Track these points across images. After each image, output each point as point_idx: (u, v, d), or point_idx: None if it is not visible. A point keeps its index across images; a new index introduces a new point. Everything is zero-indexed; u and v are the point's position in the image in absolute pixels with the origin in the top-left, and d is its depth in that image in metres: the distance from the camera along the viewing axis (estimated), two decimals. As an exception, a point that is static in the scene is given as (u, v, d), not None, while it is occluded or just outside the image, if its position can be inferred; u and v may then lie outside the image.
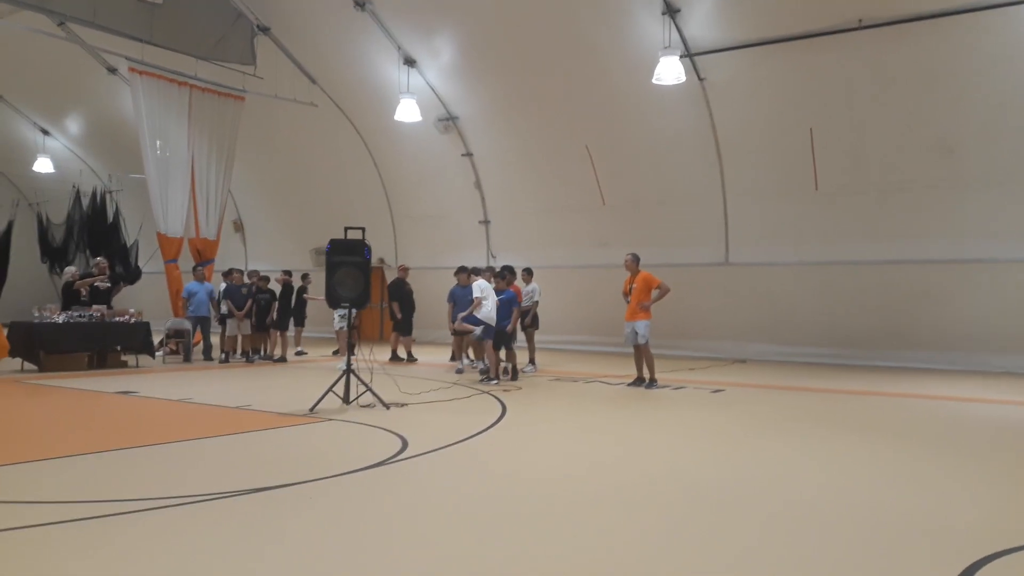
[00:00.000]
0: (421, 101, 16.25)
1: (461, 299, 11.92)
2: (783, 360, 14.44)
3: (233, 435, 6.87)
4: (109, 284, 14.24)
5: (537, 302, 12.79)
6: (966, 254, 12.91)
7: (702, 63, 13.84)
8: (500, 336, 11.02)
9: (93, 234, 21.93)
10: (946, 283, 13.15)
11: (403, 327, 14.22)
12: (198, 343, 14.23)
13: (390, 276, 19.38)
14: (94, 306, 12.86)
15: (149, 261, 20.05)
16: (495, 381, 10.66)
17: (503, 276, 11.43)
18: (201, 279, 14.22)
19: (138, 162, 15.57)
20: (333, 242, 8.60)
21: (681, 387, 10.49)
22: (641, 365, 10.54)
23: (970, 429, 7.62)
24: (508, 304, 11.05)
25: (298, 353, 15.48)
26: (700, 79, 14.01)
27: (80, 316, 12.42)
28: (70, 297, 13.23)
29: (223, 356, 13.94)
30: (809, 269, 14.37)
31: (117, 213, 22.27)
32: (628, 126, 15.36)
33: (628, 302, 10.49)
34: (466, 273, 12.26)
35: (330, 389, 8.31)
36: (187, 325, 13.94)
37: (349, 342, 8.77)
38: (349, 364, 8.50)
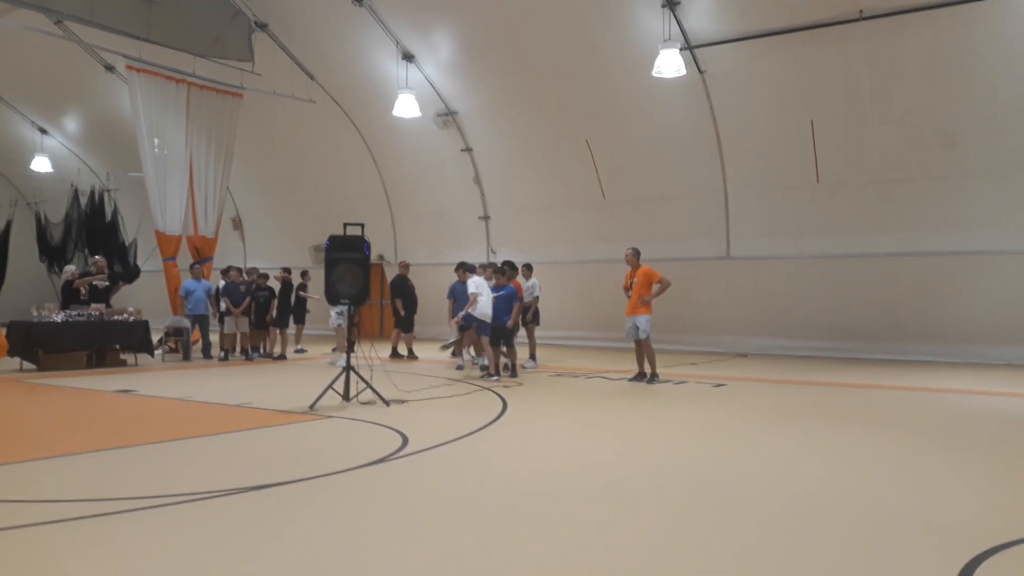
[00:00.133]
0: (420, 96, 16.20)
1: (461, 295, 11.89)
2: (784, 354, 14.41)
3: (232, 433, 6.83)
4: (108, 283, 14.21)
5: (537, 297, 12.75)
6: (968, 246, 12.87)
7: (702, 56, 13.78)
8: (501, 332, 10.98)
9: (91, 233, 21.92)
10: (948, 275, 13.11)
11: (405, 324, 14.17)
12: (197, 341, 14.20)
13: (389, 272, 19.37)
14: (93, 305, 12.83)
15: (148, 259, 20.02)
16: (495, 377, 10.63)
17: (503, 272, 11.38)
18: (198, 277, 14.19)
19: (136, 160, 15.52)
20: (332, 238, 8.56)
21: (683, 382, 10.45)
22: (642, 360, 10.50)
23: (973, 422, 7.58)
24: (509, 300, 11.00)
25: (298, 351, 15.45)
26: (700, 72, 13.96)
27: (79, 315, 12.38)
28: (69, 296, 13.21)
29: (222, 354, 13.91)
30: (810, 262, 14.33)
31: (115, 212, 22.25)
32: (628, 120, 15.31)
33: (629, 297, 10.45)
34: (465, 269, 12.23)
35: (330, 386, 8.28)
36: (186, 323, 13.91)
37: (349, 339, 8.73)
38: (349, 361, 8.46)
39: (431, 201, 18.89)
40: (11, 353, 12.13)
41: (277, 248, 21.43)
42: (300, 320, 15.47)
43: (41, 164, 22.86)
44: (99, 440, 6.48)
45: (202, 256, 15.71)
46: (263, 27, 16.69)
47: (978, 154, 12.65)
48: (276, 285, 14.70)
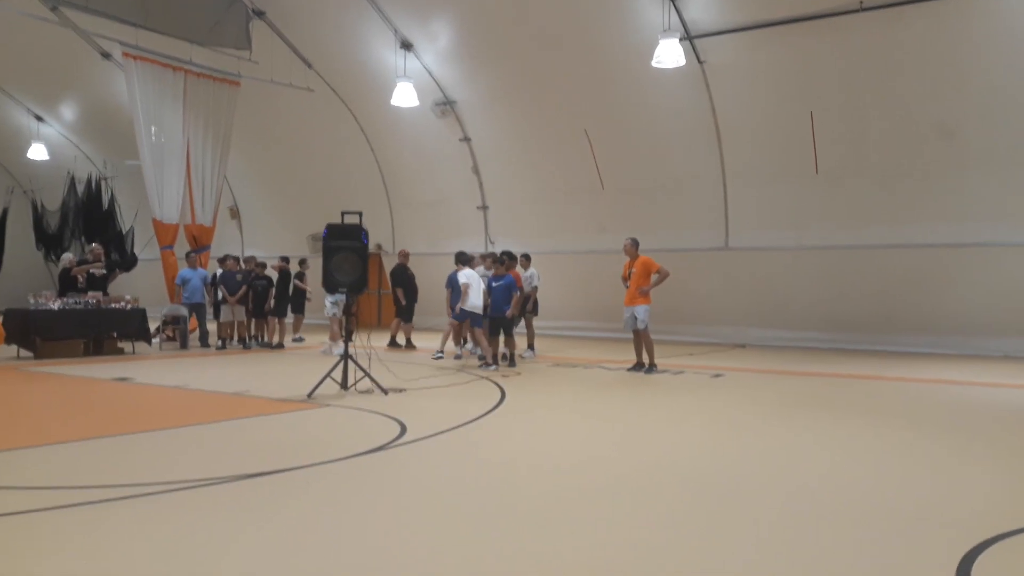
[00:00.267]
0: (418, 85, 16.12)
1: (459, 285, 11.83)
2: (783, 345, 14.41)
3: (229, 421, 6.82)
4: (105, 271, 14.17)
5: (536, 287, 12.72)
6: (966, 238, 12.85)
7: (702, 46, 13.72)
8: (500, 322, 10.97)
9: (88, 221, 21.82)
10: (946, 267, 13.09)
11: (406, 313, 14.13)
12: (194, 330, 14.16)
13: (387, 262, 19.33)
14: (90, 293, 12.80)
15: (145, 248, 19.96)
16: (493, 367, 10.62)
17: (502, 262, 11.35)
18: (194, 265, 14.14)
19: (133, 148, 15.45)
20: (330, 227, 8.52)
21: (681, 372, 10.45)
22: (640, 350, 10.49)
23: (972, 413, 7.58)
24: (508, 290, 10.97)
25: (296, 340, 15.41)
26: (700, 62, 13.90)
27: (76, 303, 12.35)
28: (67, 284, 13.18)
29: (219, 343, 13.89)
30: (809, 253, 14.30)
31: (112, 200, 22.15)
32: (627, 110, 15.25)
33: (627, 287, 10.44)
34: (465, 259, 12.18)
35: (328, 375, 8.25)
36: (184, 312, 13.88)
37: (347, 328, 8.70)
38: (347, 350, 8.44)
39: (429, 190, 18.83)
40: (8, 341, 12.11)
41: (274, 237, 21.35)
42: (299, 309, 15.43)
43: (38, 152, 22.74)
44: (96, 428, 6.46)
45: (199, 245, 15.67)
46: (260, 15, 16.58)
47: (976, 146, 12.62)
48: (274, 274, 14.65)
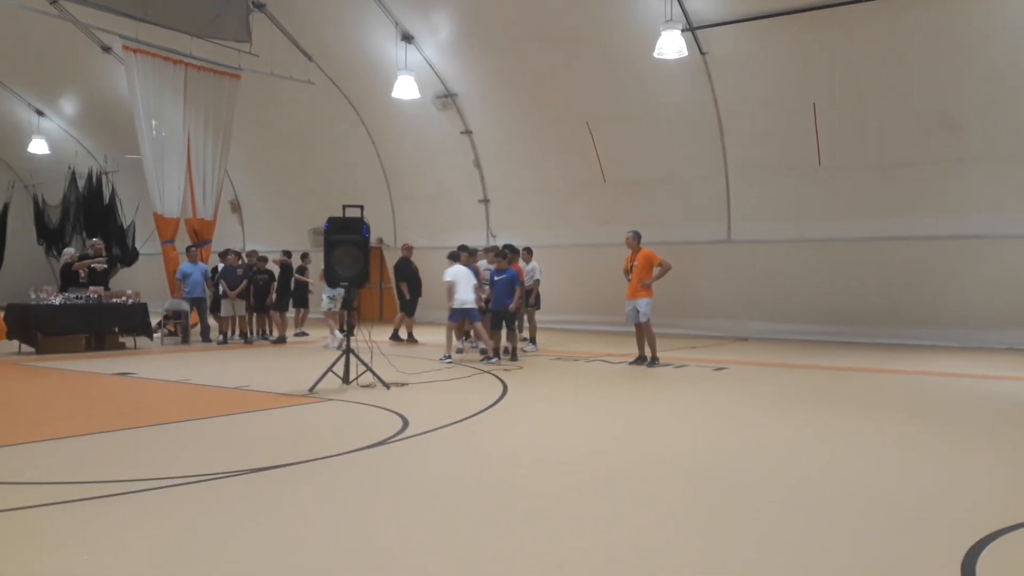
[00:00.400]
0: (419, 78, 16.07)
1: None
2: (785, 338, 14.38)
3: (232, 415, 6.81)
4: (106, 265, 14.16)
5: (538, 281, 12.69)
6: (968, 230, 12.80)
7: (704, 37, 13.65)
8: (502, 316, 10.94)
9: (89, 215, 21.82)
10: (948, 259, 13.05)
11: (410, 307, 14.10)
12: (195, 325, 14.16)
13: (389, 256, 19.30)
14: (91, 288, 12.79)
15: (146, 242, 19.95)
16: (495, 360, 10.60)
17: (504, 255, 11.32)
18: (195, 259, 14.13)
19: (134, 142, 15.42)
20: (331, 220, 8.49)
21: (683, 365, 10.43)
22: (642, 343, 10.47)
23: (975, 406, 7.55)
24: (510, 283, 10.94)
25: (299, 334, 15.40)
26: (702, 53, 13.83)
27: (77, 298, 12.34)
28: (68, 279, 13.17)
29: (221, 337, 13.89)
30: (811, 246, 14.26)
31: (113, 194, 22.14)
32: (629, 102, 15.19)
33: (629, 280, 10.41)
34: (467, 252, 12.15)
35: (329, 369, 8.24)
36: (185, 306, 13.87)
37: (349, 322, 8.68)
38: (348, 344, 8.42)
39: (431, 184, 18.79)
40: (9, 336, 12.10)
41: (276, 231, 21.34)
42: (303, 303, 15.39)
43: (38, 146, 22.72)
44: (98, 423, 6.46)
45: (201, 239, 15.65)
46: (261, 7, 16.52)
47: (979, 138, 12.56)
48: (275, 268, 14.64)
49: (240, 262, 14.33)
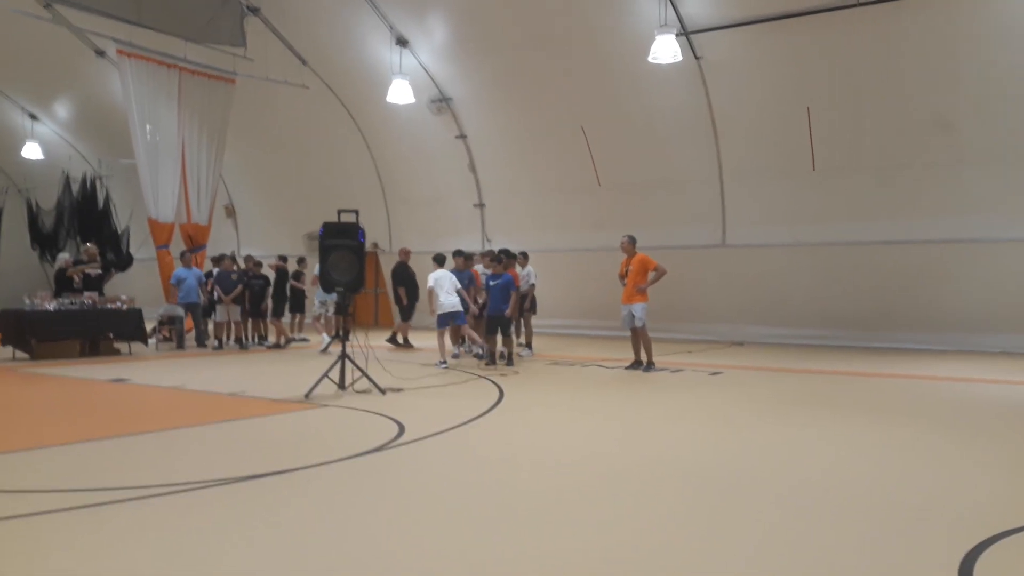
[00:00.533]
0: (414, 82, 16.06)
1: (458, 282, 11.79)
2: (780, 342, 14.40)
3: (227, 422, 6.78)
4: (101, 271, 14.11)
5: (533, 285, 12.69)
6: (964, 234, 12.84)
7: (699, 41, 13.68)
8: (497, 321, 10.94)
9: (83, 220, 21.75)
10: (944, 263, 13.08)
11: (407, 312, 14.09)
12: (190, 330, 14.12)
13: (384, 260, 19.29)
14: (86, 293, 12.74)
15: (141, 247, 19.88)
16: (485, 357, 10.63)
17: (499, 260, 11.31)
18: (189, 264, 14.09)
19: (128, 147, 15.35)
20: (326, 225, 8.48)
21: (679, 370, 10.43)
22: (638, 348, 10.47)
23: (974, 409, 7.56)
24: (505, 288, 10.94)
25: (299, 339, 15.33)
26: (696, 58, 13.86)
27: (71, 303, 12.29)
28: (63, 284, 13.13)
29: (216, 343, 13.84)
30: (806, 250, 14.29)
31: (107, 199, 22.07)
32: (624, 106, 15.21)
33: (624, 285, 10.41)
34: (463, 257, 12.15)
35: (325, 375, 8.22)
36: (180, 312, 13.82)
37: (344, 327, 8.66)
38: (344, 350, 8.40)
39: (426, 188, 18.78)
40: (4, 342, 12.05)
41: (271, 236, 21.28)
42: (300, 308, 15.35)
43: (32, 151, 22.61)
44: (93, 429, 6.43)
45: (195, 244, 15.60)
46: (255, 11, 16.50)
47: (974, 140, 12.60)
48: (271, 274, 14.60)
49: (235, 267, 14.28)
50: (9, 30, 18.03)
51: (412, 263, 14.49)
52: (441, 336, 11.25)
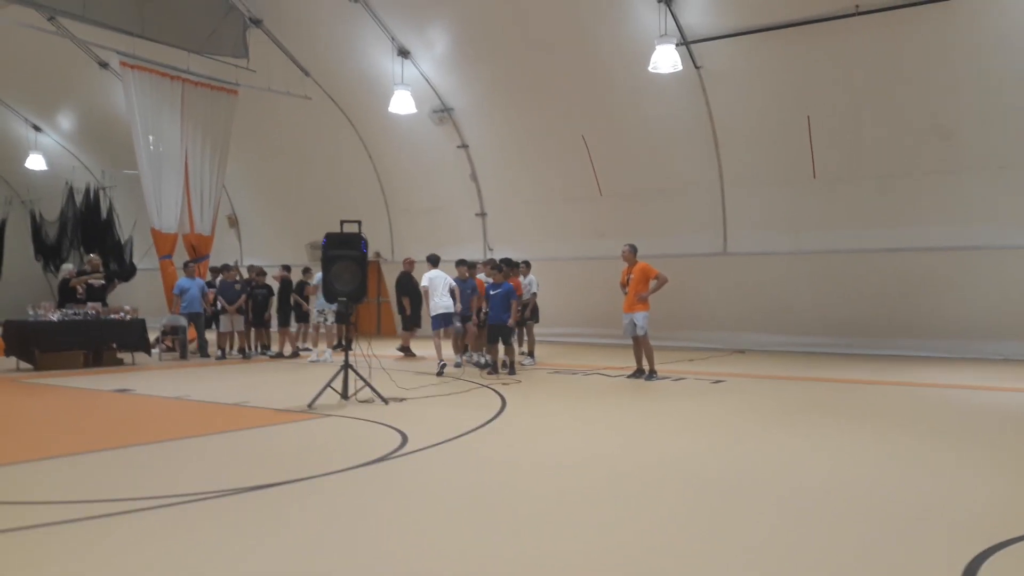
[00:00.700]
0: (416, 93, 16.14)
1: (460, 292, 11.84)
2: (782, 350, 14.41)
3: (231, 432, 6.80)
4: (104, 281, 14.15)
5: (535, 294, 12.72)
6: (965, 241, 12.86)
7: (699, 51, 13.75)
8: (498, 330, 10.95)
9: (87, 231, 21.80)
10: (945, 270, 13.10)
11: (411, 322, 14.11)
12: (193, 340, 14.15)
13: (386, 270, 19.33)
14: (89, 304, 12.77)
15: (144, 258, 19.93)
16: (483, 362, 10.68)
17: (500, 269, 11.33)
18: (192, 275, 14.13)
19: (131, 158, 15.44)
20: (329, 235, 8.52)
21: (681, 378, 10.44)
22: (640, 357, 10.48)
23: (975, 417, 7.57)
24: (507, 297, 10.96)
25: (304, 349, 15.34)
26: (697, 67, 13.92)
27: (75, 314, 12.33)
28: (66, 295, 13.17)
29: (219, 353, 13.87)
30: (807, 258, 14.32)
31: (111, 210, 22.13)
32: (625, 115, 15.28)
33: (626, 293, 10.43)
34: (467, 265, 12.18)
35: (328, 385, 8.24)
36: (183, 322, 13.86)
37: (348, 336, 8.69)
38: (347, 360, 8.43)
39: (428, 198, 18.84)
40: (7, 353, 12.08)
41: (274, 246, 21.35)
42: (304, 319, 15.36)
43: (36, 162, 22.72)
44: (96, 440, 6.45)
45: (198, 254, 15.65)
46: (257, 23, 16.60)
47: (974, 149, 12.64)
48: (275, 284, 14.63)
49: (236, 277, 14.32)
50: (13, 42, 18.16)
51: (415, 273, 14.53)
52: (437, 339, 11.30)
